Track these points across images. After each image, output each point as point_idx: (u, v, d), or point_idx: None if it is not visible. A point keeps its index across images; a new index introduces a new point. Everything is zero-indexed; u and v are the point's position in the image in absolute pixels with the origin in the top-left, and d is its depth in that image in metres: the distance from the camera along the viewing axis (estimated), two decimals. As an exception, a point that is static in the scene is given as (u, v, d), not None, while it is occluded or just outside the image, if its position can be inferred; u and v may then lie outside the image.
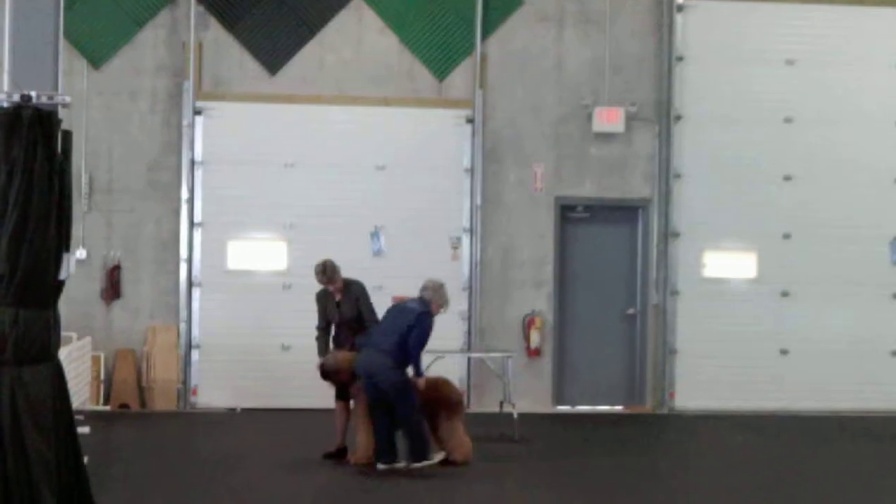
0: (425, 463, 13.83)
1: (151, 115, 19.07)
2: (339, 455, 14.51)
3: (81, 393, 16.78)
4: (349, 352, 14.33)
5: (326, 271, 14.65)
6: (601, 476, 13.90)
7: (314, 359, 14.63)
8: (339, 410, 14.69)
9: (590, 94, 19.64)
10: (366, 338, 14.24)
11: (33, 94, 7.06)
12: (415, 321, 14.05)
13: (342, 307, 14.65)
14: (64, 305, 7.54)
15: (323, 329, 14.77)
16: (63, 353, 7.98)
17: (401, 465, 13.83)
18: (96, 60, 18.91)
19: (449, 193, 19.45)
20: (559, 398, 19.79)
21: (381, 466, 13.86)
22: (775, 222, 19.99)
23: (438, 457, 13.99)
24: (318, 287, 14.90)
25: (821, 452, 16.34)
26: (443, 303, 14.57)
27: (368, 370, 13.88)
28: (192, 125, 18.93)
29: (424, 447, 13.86)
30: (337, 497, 12.52)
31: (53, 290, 7.27)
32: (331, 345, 14.72)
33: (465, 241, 19.47)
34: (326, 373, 14.33)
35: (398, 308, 14.61)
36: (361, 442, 14.10)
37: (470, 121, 19.47)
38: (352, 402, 14.51)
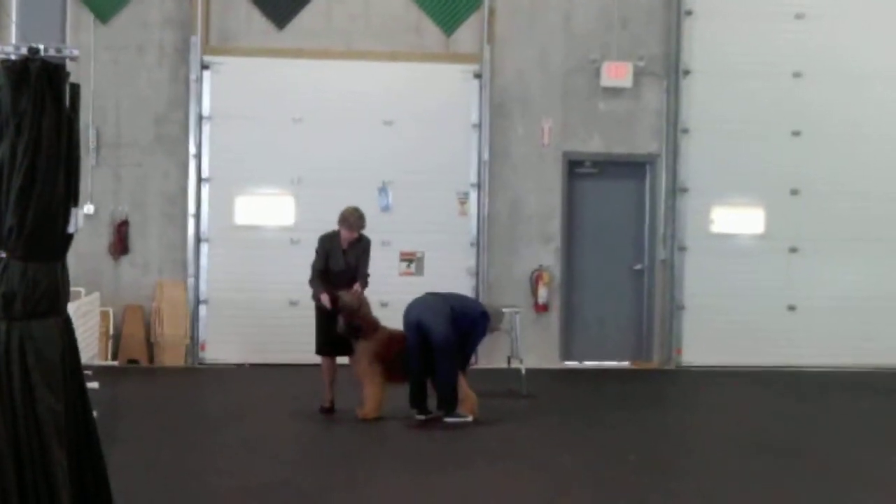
0: (459, 419, 13.96)
1: (159, 69, 19.02)
2: (332, 410, 14.59)
3: (90, 348, 16.79)
4: (362, 294, 14.32)
5: (363, 218, 14.65)
6: (608, 431, 13.93)
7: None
8: (326, 366, 14.69)
9: (598, 49, 19.57)
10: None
11: (41, 46, 7.04)
12: (481, 318, 14.64)
13: (348, 255, 14.62)
14: (72, 261, 7.53)
15: (320, 272, 14.65)
16: (72, 309, 7.98)
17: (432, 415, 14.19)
18: (103, 15, 18.84)
19: (456, 149, 19.42)
20: (567, 354, 19.82)
21: (420, 418, 14.08)
22: (783, 178, 19.96)
23: (471, 417, 14.08)
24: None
25: (828, 408, 16.36)
26: (495, 327, 15.46)
27: (422, 316, 14.13)
28: (199, 80, 18.88)
29: (455, 401, 14.04)
30: (346, 450, 12.55)
31: (62, 244, 7.25)
32: None
33: (473, 196, 19.45)
34: (346, 311, 14.20)
35: (462, 295, 15.27)
36: (369, 396, 14.13)
37: (478, 76, 19.42)
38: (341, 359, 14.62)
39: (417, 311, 14.21)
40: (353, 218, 14.59)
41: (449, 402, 14.01)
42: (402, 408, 14.34)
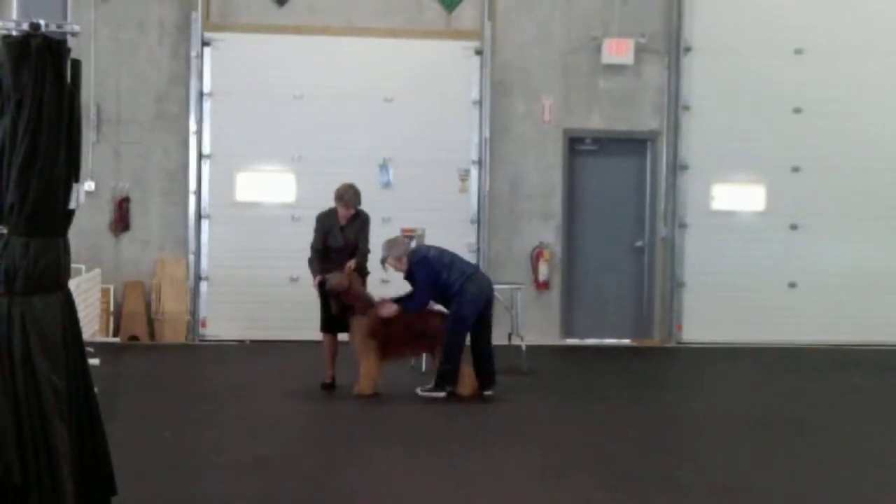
0: (437, 394, 14.05)
1: (159, 46, 19.01)
2: (334, 386, 14.60)
3: (91, 325, 16.83)
4: (352, 272, 14.29)
5: (358, 194, 14.58)
6: (608, 408, 13.94)
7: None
8: (328, 343, 14.70)
9: (599, 26, 19.55)
10: (457, 266, 14.38)
11: (42, 22, 7.03)
12: None
13: (346, 232, 14.57)
14: (73, 237, 7.52)
15: (318, 251, 14.65)
16: (72, 285, 7.98)
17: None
18: (104, -9, 18.84)
19: (457, 125, 19.41)
20: (567, 331, 19.84)
21: (489, 393, 14.29)
22: (784, 155, 19.96)
23: (444, 394, 14.15)
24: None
25: (828, 385, 16.38)
26: None
27: (490, 293, 14.43)
28: (200, 56, 18.88)
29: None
30: (346, 426, 12.57)
31: (63, 220, 7.24)
32: None
33: (474, 173, 19.45)
34: (334, 292, 14.17)
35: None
36: (365, 372, 14.12)
37: (478, 52, 19.41)
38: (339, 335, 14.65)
39: (488, 289, 14.43)
40: (347, 195, 14.54)
41: (451, 378, 14.12)
42: (401, 384, 14.38)
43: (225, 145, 19.03)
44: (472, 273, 14.37)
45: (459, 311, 14.06)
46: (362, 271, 14.53)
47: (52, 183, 7.09)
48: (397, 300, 14.25)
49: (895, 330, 19.97)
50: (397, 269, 14.33)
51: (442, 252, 14.53)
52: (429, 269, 14.15)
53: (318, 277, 14.29)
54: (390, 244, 14.38)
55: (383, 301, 14.15)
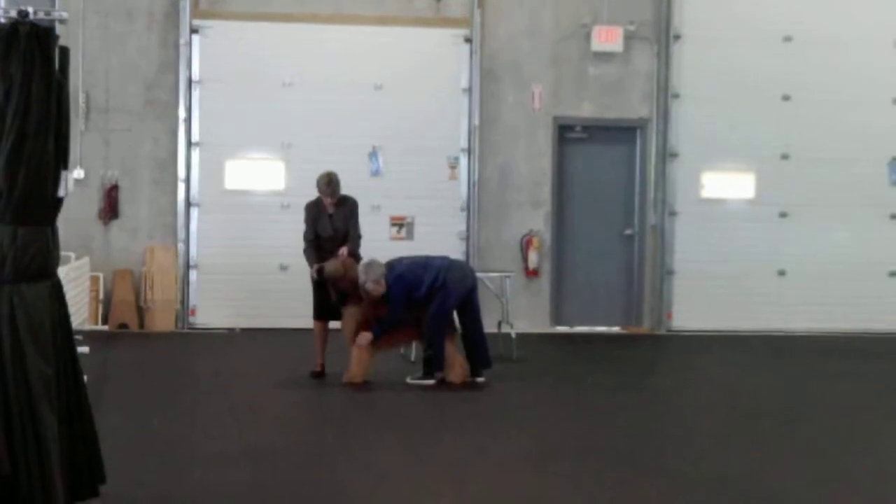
0: (426, 382, 14.06)
1: (148, 33, 18.94)
2: (323, 374, 14.58)
3: (80, 313, 16.79)
4: (347, 258, 14.25)
5: (332, 183, 14.52)
6: (598, 396, 13.96)
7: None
8: (319, 331, 14.67)
9: (589, 13, 19.52)
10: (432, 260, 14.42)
11: (30, 9, 7.01)
12: None
13: (335, 219, 14.55)
14: (62, 225, 7.52)
15: (312, 241, 14.60)
16: (62, 273, 7.97)
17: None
18: (92, -22, 18.77)
19: (447, 113, 19.39)
20: (557, 318, 19.83)
21: (481, 380, 14.31)
22: (774, 143, 19.97)
23: (433, 381, 14.15)
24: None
25: (817, 373, 16.39)
26: None
27: (472, 277, 14.66)
28: (188, 44, 18.83)
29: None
30: (336, 414, 12.57)
31: (52, 208, 7.24)
32: None
33: (463, 161, 19.43)
34: (331, 280, 14.13)
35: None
36: (355, 360, 14.09)
37: (468, 40, 19.38)
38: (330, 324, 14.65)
39: (472, 275, 14.66)
40: (322, 184, 14.48)
41: (439, 364, 14.14)
42: (390, 372, 14.38)
43: (214, 133, 18.98)
44: (448, 264, 14.36)
45: (443, 300, 14.06)
46: (355, 257, 14.49)
47: (40, 171, 7.08)
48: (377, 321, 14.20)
49: (883, 317, 20.00)
50: (376, 291, 14.00)
51: (413, 261, 14.41)
52: (404, 286, 14.03)
53: (316, 266, 14.27)
54: (367, 268, 14.04)
55: (361, 332, 14.08)
